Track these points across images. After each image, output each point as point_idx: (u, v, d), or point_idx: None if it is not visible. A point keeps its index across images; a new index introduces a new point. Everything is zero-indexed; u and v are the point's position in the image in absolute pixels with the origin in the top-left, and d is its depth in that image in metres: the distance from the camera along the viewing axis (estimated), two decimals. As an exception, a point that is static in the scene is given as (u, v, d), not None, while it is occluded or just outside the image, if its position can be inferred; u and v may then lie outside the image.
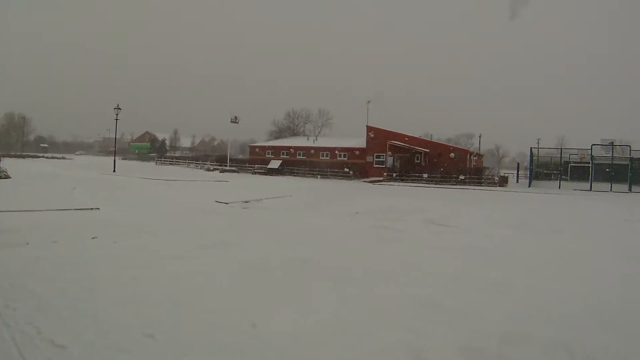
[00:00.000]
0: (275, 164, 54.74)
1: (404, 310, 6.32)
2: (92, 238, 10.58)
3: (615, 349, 5.25)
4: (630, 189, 40.99)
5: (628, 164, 44.24)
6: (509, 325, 5.85)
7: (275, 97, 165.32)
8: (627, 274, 9.23)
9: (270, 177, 48.43)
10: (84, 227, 12.02)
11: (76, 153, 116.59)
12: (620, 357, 5.07)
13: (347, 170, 49.66)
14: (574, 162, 51.71)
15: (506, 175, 51.03)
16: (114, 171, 42.27)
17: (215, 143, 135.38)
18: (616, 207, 25.40)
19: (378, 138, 51.31)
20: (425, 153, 50.20)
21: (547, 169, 54.98)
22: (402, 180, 46.11)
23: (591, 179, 42.83)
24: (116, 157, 46.88)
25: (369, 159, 52.15)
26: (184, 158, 76.43)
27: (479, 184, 43.88)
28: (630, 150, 44.40)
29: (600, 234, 14.57)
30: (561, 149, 53.73)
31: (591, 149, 43.62)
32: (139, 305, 6.06)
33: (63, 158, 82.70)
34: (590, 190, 40.46)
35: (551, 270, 9.24)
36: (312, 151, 57.45)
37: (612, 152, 44.30)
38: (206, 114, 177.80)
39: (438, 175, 45.34)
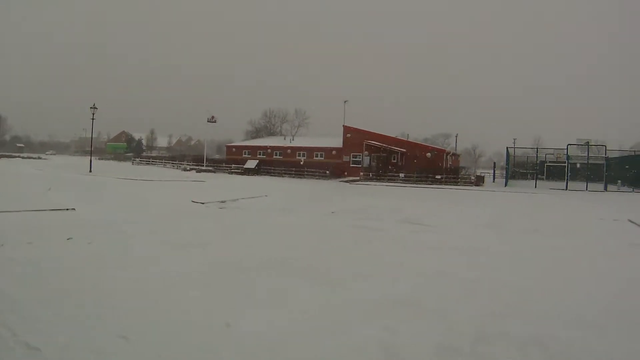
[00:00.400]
0: (251, 163, 54.66)
1: (379, 308, 6.29)
2: (68, 239, 10.37)
3: (591, 344, 5.29)
4: (605, 188, 41.59)
5: (603, 164, 44.86)
6: (484, 323, 5.85)
7: (253, 97, 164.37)
8: (602, 271, 9.33)
9: (247, 177, 48.21)
10: (60, 228, 11.82)
11: (47, 153, 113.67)
12: (595, 352, 5.10)
13: (324, 170, 49.48)
14: (550, 162, 52.03)
15: (483, 174, 51.50)
16: (90, 171, 41.57)
17: (192, 143, 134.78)
18: (592, 205, 25.67)
19: (355, 138, 51.59)
20: (402, 153, 50.39)
21: (523, 169, 55.55)
22: (379, 179, 46.25)
23: (567, 178, 43.30)
24: (92, 157, 46.09)
25: (345, 158, 52.37)
26: (161, 158, 76.19)
27: (456, 183, 44.03)
28: (605, 150, 44.90)
29: (576, 233, 14.66)
30: (537, 148, 54.22)
31: (567, 148, 43.96)
32: (113, 306, 6.00)
33: (39, 158, 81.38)
34: (566, 189, 40.88)
35: (526, 268, 9.27)
36: (289, 151, 57.56)
37: (588, 151, 44.77)
38: (183, 114, 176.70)
39: (415, 174, 45.45)
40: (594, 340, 5.42)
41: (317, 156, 55.54)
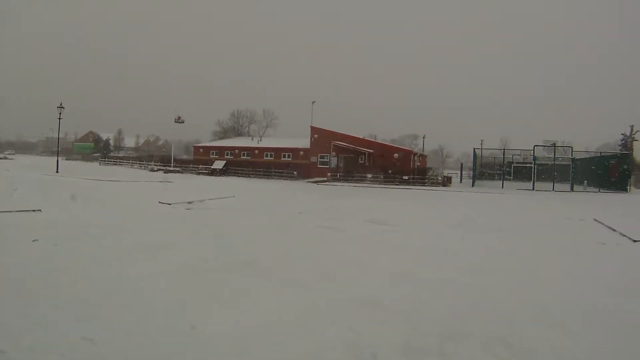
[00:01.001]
0: (219, 164, 54.22)
1: (344, 309, 6.27)
2: (33, 241, 10.13)
3: (554, 342, 5.33)
4: (572, 189, 42.14)
5: (570, 164, 45.64)
6: (449, 323, 5.86)
7: (222, 97, 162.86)
8: (568, 270, 9.43)
9: (214, 177, 47.95)
10: (25, 229, 11.54)
11: (5, 152, 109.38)
12: (559, 349, 5.14)
13: (292, 170, 49.32)
14: (517, 163, 52.23)
15: (450, 175, 51.55)
16: (57, 172, 40.37)
17: (160, 143, 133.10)
18: (558, 205, 26.00)
19: (322, 139, 51.55)
20: (370, 153, 50.19)
21: (490, 169, 55.82)
22: (346, 180, 46.14)
23: (534, 179, 43.85)
24: (60, 158, 45.14)
25: (313, 159, 52.25)
26: (128, 158, 74.94)
27: (423, 184, 44.26)
28: (572, 151, 45.76)
29: (542, 232, 14.84)
30: (504, 149, 54.82)
31: (534, 149, 44.52)
32: (79, 308, 5.90)
33: (5, 158, 78.79)
34: (533, 189, 41.44)
35: (491, 268, 9.33)
36: (257, 151, 57.33)
37: (554, 152, 45.56)
38: (151, 114, 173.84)
39: (382, 175, 45.51)
40: (559, 338, 5.45)
41: (284, 157, 55.40)
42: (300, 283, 7.48)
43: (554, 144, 45.30)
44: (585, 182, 43.91)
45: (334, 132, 51.83)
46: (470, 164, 55.25)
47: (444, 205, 23.97)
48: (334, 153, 50.11)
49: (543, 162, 48.05)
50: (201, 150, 62.48)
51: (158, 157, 69.83)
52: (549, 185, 42.83)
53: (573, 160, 45.57)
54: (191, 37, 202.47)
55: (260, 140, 63.52)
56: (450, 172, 64.94)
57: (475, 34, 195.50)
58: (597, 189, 42.04)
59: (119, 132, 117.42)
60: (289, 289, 7.16)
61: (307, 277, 7.86)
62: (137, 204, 18.67)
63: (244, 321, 5.67)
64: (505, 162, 52.20)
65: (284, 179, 47.54)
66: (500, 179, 49.87)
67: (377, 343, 5.12)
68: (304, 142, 54.20)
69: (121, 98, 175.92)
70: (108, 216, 14.79)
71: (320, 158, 51.51)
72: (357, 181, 45.38)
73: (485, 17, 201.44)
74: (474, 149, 49.85)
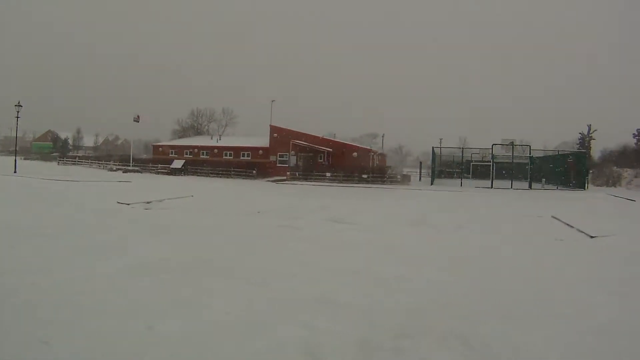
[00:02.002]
0: (178, 163, 53.14)
1: (300, 307, 6.27)
2: None
3: (511, 337, 5.40)
4: (530, 186, 42.59)
5: (528, 163, 46.31)
6: (405, 319, 5.90)
7: (182, 96, 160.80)
8: (526, 266, 9.60)
9: (174, 177, 46.99)
10: None
11: None
12: (515, 345, 5.20)
13: (251, 169, 48.80)
14: (476, 161, 52.61)
15: (409, 173, 51.62)
16: (15, 172, 39.06)
17: (119, 142, 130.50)
18: (517, 203, 26.49)
19: (282, 137, 51.51)
20: (329, 152, 50.35)
21: (449, 168, 56.18)
22: (306, 179, 45.90)
23: (492, 177, 44.35)
24: (18, 157, 44.11)
25: (272, 158, 52.25)
26: (87, 158, 72.87)
27: (382, 182, 44.17)
28: (530, 149, 46.51)
29: (500, 229, 15.09)
30: (463, 148, 55.26)
31: (492, 148, 45.12)
32: (34, 311, 5.81)
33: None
34: (492, 187, 41.95)
35: (449, 265, 9.42)
36: (216, 150, 57.10)
37: (512, 151, 46.14)
38: (110, 113, 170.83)
39: (341, 174, 45.25)
40: (514, 332, 5.53)
41: (244, 156, 55.18)
42: (256, 282, 7.50)
43: (512, 142, 45.77)
44: (544, 179, 44.57)
45: (293, 130, 51.77)
46: (429, 162, 55.38)
47: (402, 204, 24.15)
48: (293, 152, 49.93)
49: (501, 161, 48.59)
50: (160, 149, 61.81)
51: (117, 157, 68.09)
52: (507, 183, 43.38)
53: (531, 158, 46.24)
54: (151, 37, 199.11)
55: (220, 139, 63.21)
56: (410, 170, 65.28)
57: (434, 34, 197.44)
58: (555, 187, 42.75)
59: (78, 131, 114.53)
60: (244, 287, 7.16)
61: (263, 276, 7.87)
62: (95, 204, 18.39)
63: (198, 320, 5.66)
64: (464, 160, 52.70)
65: (242, 178, 47.02)
66: (459, 178, 50.30)
67: (333, 340, 5.13)
68: (263, 141, 54.12)
69: (81, 97, 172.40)
70: (64, 216, 14.52)
71: (280, 157, 51.41)
72: (316, 180, 45.19)
73: (438, 14, 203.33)
74: (433, 147, 50.09)
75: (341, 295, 6.87)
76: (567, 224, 16.03)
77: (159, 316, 5.72)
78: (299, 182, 43.09)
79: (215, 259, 9.14)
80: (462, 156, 52.20)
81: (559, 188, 41.88)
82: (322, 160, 50.82)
